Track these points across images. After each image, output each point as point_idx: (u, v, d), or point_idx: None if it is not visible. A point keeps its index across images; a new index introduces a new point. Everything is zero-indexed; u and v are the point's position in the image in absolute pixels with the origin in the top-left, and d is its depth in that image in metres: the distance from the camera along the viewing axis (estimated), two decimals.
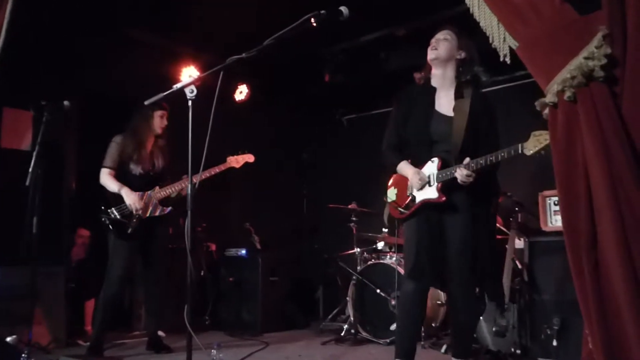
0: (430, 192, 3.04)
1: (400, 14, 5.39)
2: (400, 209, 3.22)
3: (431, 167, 3.06)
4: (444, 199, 2.99)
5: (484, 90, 3.23)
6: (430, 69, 3.20)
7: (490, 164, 2.80)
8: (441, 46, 3.08)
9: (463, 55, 3.10)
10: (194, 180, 2.83)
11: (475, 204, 3.01)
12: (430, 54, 3.12)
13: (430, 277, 3.10)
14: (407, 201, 3.17)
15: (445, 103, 3.10)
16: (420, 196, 3.10)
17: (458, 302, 3.10)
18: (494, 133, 3.06)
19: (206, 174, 4.27)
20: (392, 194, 3.33)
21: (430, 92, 3.17)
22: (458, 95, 3.07)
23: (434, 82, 3.19)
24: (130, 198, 4.20)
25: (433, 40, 3.13)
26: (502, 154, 2.77)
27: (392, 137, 3.29)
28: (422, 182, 3.06)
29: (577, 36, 1.87)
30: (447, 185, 2.98)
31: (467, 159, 2.88)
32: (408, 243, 3.17)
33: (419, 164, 3.13)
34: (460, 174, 2.87)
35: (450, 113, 3.04)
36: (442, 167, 3.01)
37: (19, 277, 4.23)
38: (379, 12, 5.18)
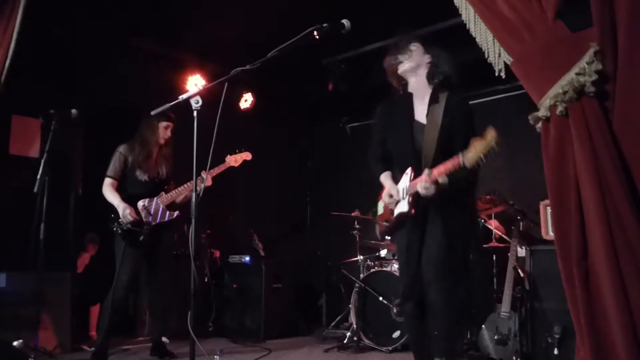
0: (403, 205, 3.02)
1: (402, 24, 5.45)
2: (384, 223, 3.24)
3: (405, 180, 3.03)
4: (412, 211, 2.95)
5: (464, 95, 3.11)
6: (404, 80, 3.19)
7: (452, 175, 2.74)
8: (405, 57, 3.09)
9: (429, 59, 3.09)
10: (204, 176, 2.91)
11: (447, 215, 2.96)
12: (399, 68, 3.13)
13: (420, 292, 3.06)
14: (389, 215, 3.18)
15: (421, 110, 3.08)
16: (396, 209, 3.09)
17: (436, 311, 3.02)
18: (468, 140, 2.85)
19: (208, 177, 4.30)
20: (380, 207, 3.35)
21: (408, 100, 3.15)
22: (433, 100, 3.05)
23: (410, 89, 3.18)
24: (125, 214, 4.23)
25: (398, 56, 3.12)
26: (449, 164, 2.72)
27: (375, 149, 3.31)
28: (392, 199, 3.05)
29: (569, 52, 1.91)
30: (417, 198, 2.93)
31: (426, 170, 2.83)
32: (398, 261, 3.21)
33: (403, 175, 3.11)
34: (420, 185, 2.83)
35: (425, 121, 3.03)
36: (415, 178, 2.97)
37: (26, 283, 4.30)
38: (381, 22, 5.23)
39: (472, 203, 3.18)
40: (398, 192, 3.05)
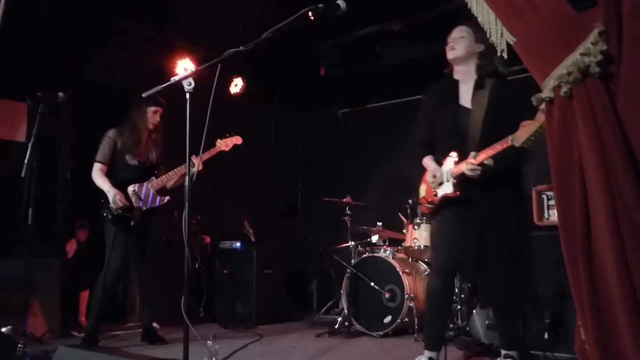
0: (447, 187, 3.11)
1: (396, 9, 5.39)
2: (425, 205, 3.32)
3: (449, 162, 3.11)
4: (457, 193, 3.05)
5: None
6: (452, 66, 3.23)
7: (498, 156, 2.84)
8: (458, 45, 3.11)
9: (482, 48, 3.08)
10: (194, 161, 2.88)
11: (493, 197, 3.03)
12: (449, 54, 3.16)
13: (453, 274, 3.23)
14: (432, 197, 3.25)
15: (467, 96, 3.14)
16: (440, 191, 3.18)
17: (493, 305, 3.26)
18: (516, 125, 2.84)
19: (199, 161, 4.24)
20: (422, 190, 3.41)
21: (454, 86, 3.20)
22: (478, 85, 3.10)
23: (456, 77, 3.23)
24: (115, 199, 4.18)
25: (449, 40, 3.15)
26: (498, 147, 2.82)
27: (421, 133, 3.37)
28: (436, 179, 3.14)
29: (574, 32, 1.89)
30: (462, 180, 3.03)
31: (472, 153, 2.93)
32: (433, 240, 3.30)
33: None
34: (466, 167, 2.94)
35: (471, 105, 3.10)
36: (460, 161, 3.06)
37: (14, 269, 4.23)
38: (375, 7, 5.17)
39: (520, 183, 3.22)
40: (442, 174, 3.14)
